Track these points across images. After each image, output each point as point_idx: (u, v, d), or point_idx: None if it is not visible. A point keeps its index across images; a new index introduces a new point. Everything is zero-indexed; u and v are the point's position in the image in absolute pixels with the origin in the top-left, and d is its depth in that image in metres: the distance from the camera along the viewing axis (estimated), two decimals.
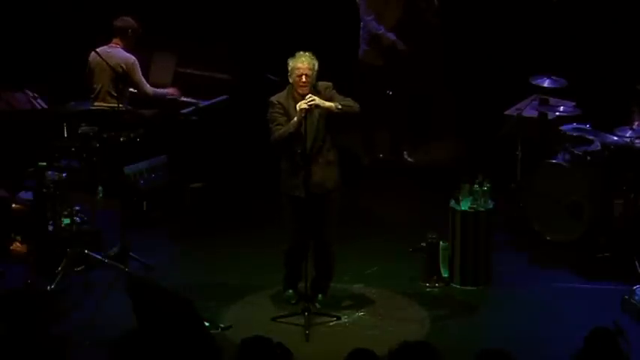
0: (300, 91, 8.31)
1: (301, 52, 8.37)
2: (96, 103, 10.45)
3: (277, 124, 8.37)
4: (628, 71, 10.55)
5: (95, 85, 10.49)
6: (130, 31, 10.53)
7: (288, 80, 8.45)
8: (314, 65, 8.33)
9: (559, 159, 9.82)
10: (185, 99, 10.91)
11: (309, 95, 8.27)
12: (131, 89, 10.62)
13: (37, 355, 5.59)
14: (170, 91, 10.87)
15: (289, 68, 8.36)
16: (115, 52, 10.40)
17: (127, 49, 10.50)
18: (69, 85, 10.78)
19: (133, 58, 10.46)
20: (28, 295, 6.23)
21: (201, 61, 11.08)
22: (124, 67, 10.34)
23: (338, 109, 8.34)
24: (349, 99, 8.47)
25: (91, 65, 10.47)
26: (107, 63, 9.90)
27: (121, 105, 9.83)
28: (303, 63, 8.31)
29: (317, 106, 8.26)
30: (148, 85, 10.66)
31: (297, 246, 8.57)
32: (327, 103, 8.32)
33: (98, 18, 10.92)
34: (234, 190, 10.92)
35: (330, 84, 8.48)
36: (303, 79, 8.29)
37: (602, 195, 9.66)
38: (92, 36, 10.55)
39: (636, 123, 9.73)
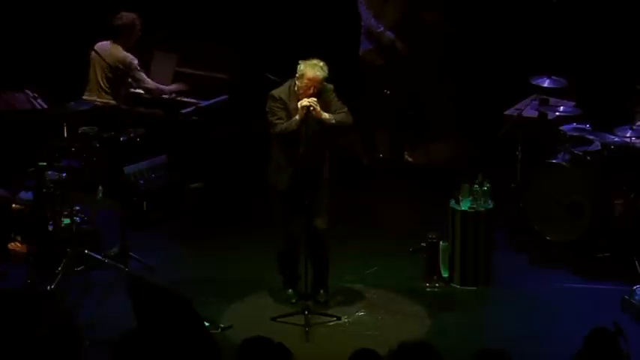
0: (304, 98, 8.34)
1: (316, 61, 8.33)
2: (86, 93, 10.44)
3: (278, 118, 8.40)
4: (628, 71, 10.54)
5: (90, 79, 10.46)
6: (128, 29, 10.47)
7: (287, 79, 8.47)
8: (324, 78, 8.34)
9: (559, 159, 9.82)
10: (185, 99, 10.90)
11: (314, 99, 8.29)
12: (135, 90, 10.65)
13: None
14: (176, 87, 10.84)
15: (300, 71, 8.34)
16: (113, 51, 10.37)
17: (125, 47, 10.47)
18: (69, 85, 10.78)
19: (131, 56, 10.43)
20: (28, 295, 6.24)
21: (201, 61, 11.07)
22: (121, 66, 10.33)
23: (331, 123, 8.37)
24: (345, 110, 8.49)
25: (91, 58, 10.45)
26: (104, 60, 9.93)
27: (115, 102, 9.87)
28: (316, 75, 8.30)
29: (315, 110, 8.27)
30: (151, 81, 10.64)
31: (288, 242, 8.60)
32: (325, 115, 8.36)
33: (98, 18, 10.92)
34: (234, 190, 10.92)
35: (331, 87, 8.49)
36: (310, 91, 8.31)
37: (602, 195, 9.66)
38: (92, 36, 10.55)
39: (638, 123, 9.73)
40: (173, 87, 10.85)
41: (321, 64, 8.34)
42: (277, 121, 8.40)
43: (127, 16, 10.49)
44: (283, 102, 8.42)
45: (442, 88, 11.97)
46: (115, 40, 10.45)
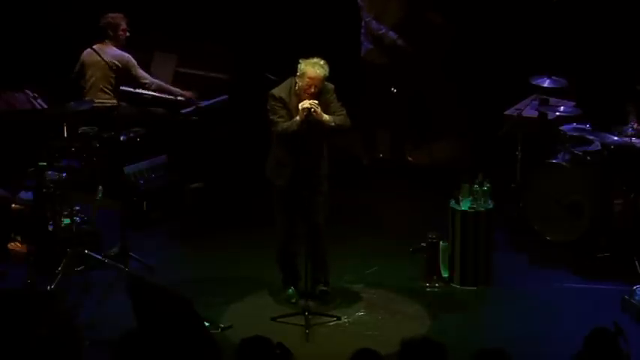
0: (305, 98, 8.34)
1: (316, 60, 8.33)
2: (86, 98, 10.45)
3: (279, 116, 8.41)
4: (628, 71, 10.54)
5: (88, 82, 10.43)
6: (112, 28, 10.39)
7: (287, 79, 8.47)
8: (325, 76, 8.34)
9: (559, 159, 9.82)
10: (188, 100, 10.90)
11: (315, 101, 8.30)
12: (124, 88, 10.61)
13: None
14: (187, 94, 10.80)
15: (300, 70, 8.34)
16: (106, 50, 10.31)
17: (118, 46, 10.43)
18: (69, 85, 10.78)
19: (127, 55, 10.39)
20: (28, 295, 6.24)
21: (201, 61, 11.07)
22: (119, 64, 10.30)
23: (331, 125, 8.39)
24: (344, 112, 8.51)
25: (85, 62, 10.42)
26: (103, 59, 9.92)
27: (114, 101, 9.95)
28: (316, 74, 8.30)
29: (316, 112, 8.28)
30: (151, 78, 10.60)
31: (288, 239, 8.63)
32: (325, 116, 8.38)
33: (98, 18, 10.91)
34: (234, 190, 10.92)
35: (332, 87, 8.50)
36: (312, 90, 8.32)
37: (602, 195, 9.66)
38: (92, 36, 10.55)
39: (633, 124, 9.73)
40: (187, 93, 10.79)
41: (322, 62, 8.34)
42: (279, 119, 8.42)
43: (112, 16, 10.44)
44: (283, 101, 8.43)
45: (445, 87, 11.97)
46: (104, 42, 10.37)
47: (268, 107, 8.48)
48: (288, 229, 8.62)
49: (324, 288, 8.73)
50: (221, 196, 10.82)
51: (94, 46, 10.23)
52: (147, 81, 10.56)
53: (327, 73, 8.35)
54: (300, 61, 8.37)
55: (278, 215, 8.66)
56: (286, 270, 8.84)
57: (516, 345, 7.66)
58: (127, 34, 10.47)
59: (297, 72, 8.38)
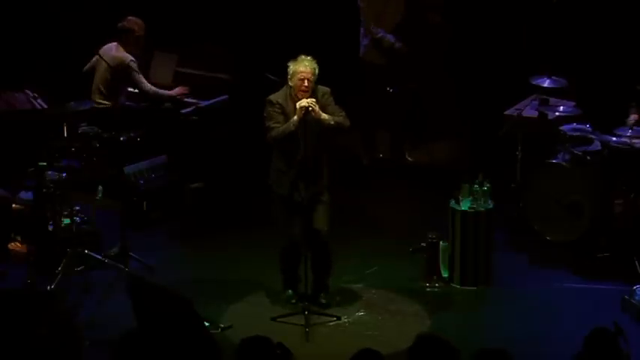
0: (301, 96, 8.36)
1: (303, 56, 8.39)
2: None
3: (275, 122, 8.41)
4: (628, 71, 10.54)
5: (93, 80, 10.51)
6: (129, 33, 10.48)
7: (287, 80, 8.48)
8: (315, 70, 8.37)
9: (559, 159, 9.82)
10: (185, 99, 10.90)
11: (312, 99, 8.31)
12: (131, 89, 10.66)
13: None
14: (176, 91, 10.84)
15: (290, 71, 8.38)
16: (112, 51, 10.39)
17: (126, 49, 10.48)
18: (69, 85, 10.78)
19: (130, 57, 10.42)
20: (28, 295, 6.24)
21: (201, 61, 11.08)
22: (120, 67, 10.35)
23: (330, 124, 8.38)
24: (343, 113, 8.51)
25: (96, 61, 10.48)
26: (104, 59, 9.94)
27: (108, 103, 10.05)
28: (305, 67, 8.33)
29: (314, 111, 8.29)
30: (149, 85, 10.65)
31: (291, 244, 8.61)
32: (324, 115, 8.38)
33: (98, 18, 10.92)
34: (234, 190, 10.92)
35: (328, 90, 8.51)
36: (305, 84, 8.33)
37: (602, 195, 9.66)
38: (92, 36, 10.56)
39: (632, 117, 9.73)
40: (173, 92, 10.83)
41: (309, 57, 8.38)
42: (275, 125, 8.41)
43: (129, 21, 10.52)
44: (281, 106, 8.44)
45: (444, 87, 11.97)
46: (119, 42, 10.48)
47: (265, 114, 8.49)
48: (291, 237, 8.61)
49: (325, 301, 8.72)
50: (221, 196, 10.82)
51: (108, 45, 10.28)
52: (144, 87, 10.57)
53: (316, 66, 8.37)
54: (289, 63, 8.40)
55: (280, 223, 8.65)
56: (287, 274, 8.84)
57: (516, 345, 7.66)
58: (140, 40, 10.53)
59: (288, 76, 8.40)
